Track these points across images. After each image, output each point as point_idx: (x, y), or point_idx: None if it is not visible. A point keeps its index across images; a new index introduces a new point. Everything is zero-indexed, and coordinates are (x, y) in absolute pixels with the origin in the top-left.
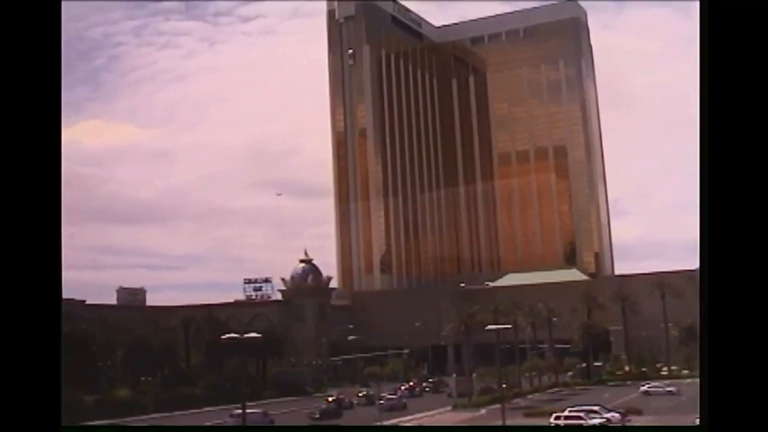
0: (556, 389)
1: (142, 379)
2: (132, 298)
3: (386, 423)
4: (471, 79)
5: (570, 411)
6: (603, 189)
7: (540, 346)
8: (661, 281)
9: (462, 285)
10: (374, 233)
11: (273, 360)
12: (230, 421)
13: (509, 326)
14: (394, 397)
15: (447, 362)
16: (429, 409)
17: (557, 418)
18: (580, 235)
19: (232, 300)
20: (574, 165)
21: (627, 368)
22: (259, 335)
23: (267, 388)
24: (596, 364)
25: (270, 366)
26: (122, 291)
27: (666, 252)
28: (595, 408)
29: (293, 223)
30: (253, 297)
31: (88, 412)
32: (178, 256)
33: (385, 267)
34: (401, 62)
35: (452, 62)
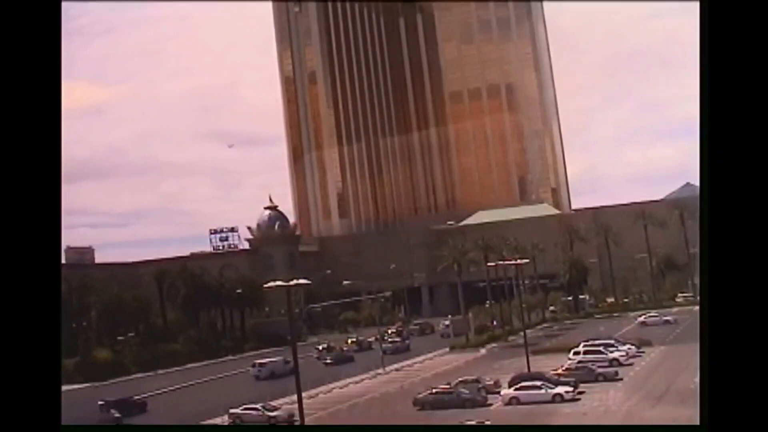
0: (545, 325)
1: (120, 338)
2: (80, 258)
3: (394, 366)
4: (419, 18)
5: (586, 345)
6: (557, 125)
7: (525, 282)
8: (639, 212)
9: (451, 222)
10: (330, 178)
11: (249, 311)
12: (252, 371)
13: (526, 260)
14: (398, 340)
15: (422, 304)
16: (428, 352)
17: (576, 353)
18: (536, 171)
19: (188, 253)
20: (526, 102)
21: (612, 300)
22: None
23: (248, 340)
24: (580, 297)
25: (247, 317)
26: (70, 251)
27: (604, 187)
28: (611, 341)
29: (238, 173)
30: (220, 248)
31: (71, 376)
32: (120, 213)
33: (344, 212)
34: (347, 4)
35: (399, 2)
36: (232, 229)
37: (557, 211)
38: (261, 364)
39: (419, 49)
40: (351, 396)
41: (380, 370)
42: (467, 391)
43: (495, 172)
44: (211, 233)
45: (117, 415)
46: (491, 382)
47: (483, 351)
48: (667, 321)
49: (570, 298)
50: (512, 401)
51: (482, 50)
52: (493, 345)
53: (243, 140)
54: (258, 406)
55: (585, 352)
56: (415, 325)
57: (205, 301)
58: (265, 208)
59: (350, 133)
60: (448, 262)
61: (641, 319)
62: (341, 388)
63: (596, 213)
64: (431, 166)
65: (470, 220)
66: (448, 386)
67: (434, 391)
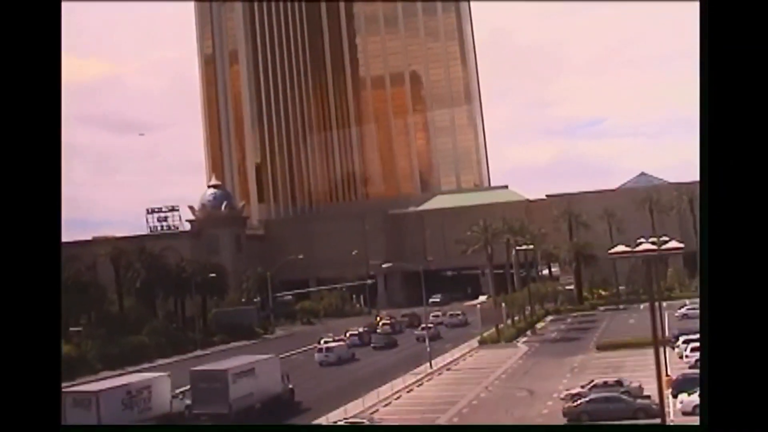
0: (554, 316)
1: (76, 329)
2: None
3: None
4: (341, 3)
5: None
6: (480, 120)
7: (530, 269)
8: (635, 198)
9: (433, 204)
10: (249, 161)
11: (211, 299)
12: (319, 356)
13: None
14: (431, 326)
15: (377, 294)
16: (454, 346)
17: (695, 349)
18: (461, 163)
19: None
20: (451, 94)
21: (614, 290)
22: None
23: (215, 332)
24: (568, 287)
25: (207, 306)
26: None
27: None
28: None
29: (116, 158)
30: (158, 228)
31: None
32: None
33: (263, 196)
34: None
35: None
36: (173, 209)
37: (524, 196)
38: (328, 349)
39: (341, 34)
40: (436, 402)
41: (427, 367)
42: (631, 399)
43: (415, 161)
44: (149, 213)
45: None
46: (636, 385)
47: (522, 345)
48: None
49: (571, 288)
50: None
51: (407, 40)
52: (524, 339)
53: (118, 126)
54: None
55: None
56: (404, 316)
57: (164, 288)
58: (210, 186)
59: (271, 116)
60: (480, 244)
61: (682, 311)
62: (408, 391)
63: (571, 199)
64: (351, 152)
65: (429, 205)
66: (586, 390)
67: (587, 398)
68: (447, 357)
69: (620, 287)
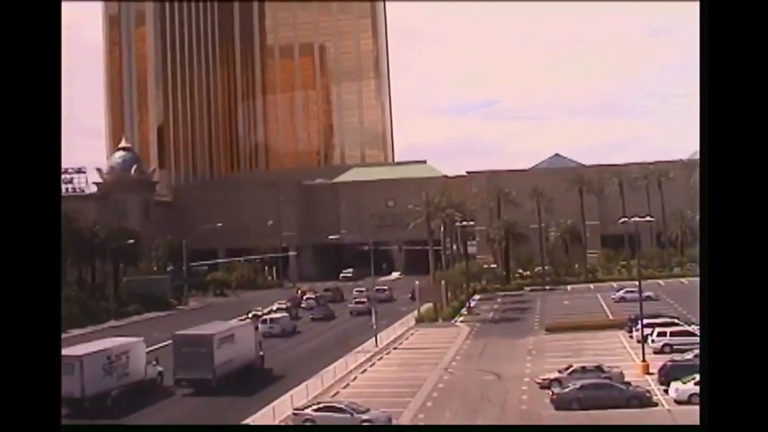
0: (481, 295)
1: None
2: None
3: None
4: None
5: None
6: (388, 95)
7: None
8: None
9: (349, 177)
10: (151, 125)
11: (122, 267)
12: (263, 327)
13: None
14: (364, 301)
15: (289, 266)
16: (389, 323)
17: (661, 334)
18: (367, 138)
19: None
20: (361, 69)
21: (538, 269)
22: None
23: (127, 302)
24: (493, 266)
25: (118, 274)
26: None
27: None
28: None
29: None
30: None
31: None
32: None
33: (164, 162)
34: None
35: None
36: (80, 170)
37: (441, 173)
38: (272, 320)
39: (251, 2)
40: (399, 385)
41: (371, 344)
42: (622, 386)
43: (321, 134)
44: None
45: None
46: (618, 371)
47: (462, 325)
48: (649, 297)
49: (495, 266)
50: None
51: (316, 12)
52: (461, 318)
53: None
54: (343, 406)
55: (669, 334)
56: (327, 291)
57: (75, 253)
58: (118, 149)
59: (176, 81)
60: (422, 219)
61: (620, 293)
62: (362, 372)
63: (491, 177)
64: (254, 122)
65: (345, 177)
66: (566, 376)
67: (576, 385)
68: (390, 334)
69: (545, 267)
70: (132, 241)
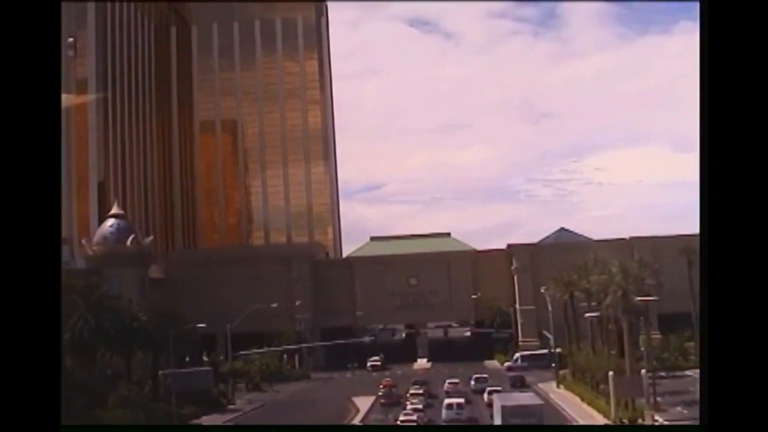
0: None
1: None
2: None
3: None
4: (194, 29)
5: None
6: (334, 171)
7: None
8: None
9: (365, 252)
10: (90, 197)
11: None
12: (448, 413)
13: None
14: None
15: (317, 354)
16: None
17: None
18: (312, 215)
19: None
20: (309, 144)
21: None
22: None
23: (178, 400)
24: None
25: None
26: None
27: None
28: None
29: None
30: None
31: None
32: None
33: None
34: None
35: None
36: (63, 241)
37: (469, 246)
38: (459, 405)
39: (191, 66)
40: None
41: None
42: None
43: (268, 208)
44: None
45: None
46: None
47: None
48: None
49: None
50: None
51: (265, 72)
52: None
53: None
54: None
55: None
56: (415, 384)
57: (110, 340)
58: (110, 216)
59: (117, 154)
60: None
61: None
62: None
63: (536, 251)
64: (192, 192)
65: (361, 252)
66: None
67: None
68: None
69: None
70: (194, 325)
